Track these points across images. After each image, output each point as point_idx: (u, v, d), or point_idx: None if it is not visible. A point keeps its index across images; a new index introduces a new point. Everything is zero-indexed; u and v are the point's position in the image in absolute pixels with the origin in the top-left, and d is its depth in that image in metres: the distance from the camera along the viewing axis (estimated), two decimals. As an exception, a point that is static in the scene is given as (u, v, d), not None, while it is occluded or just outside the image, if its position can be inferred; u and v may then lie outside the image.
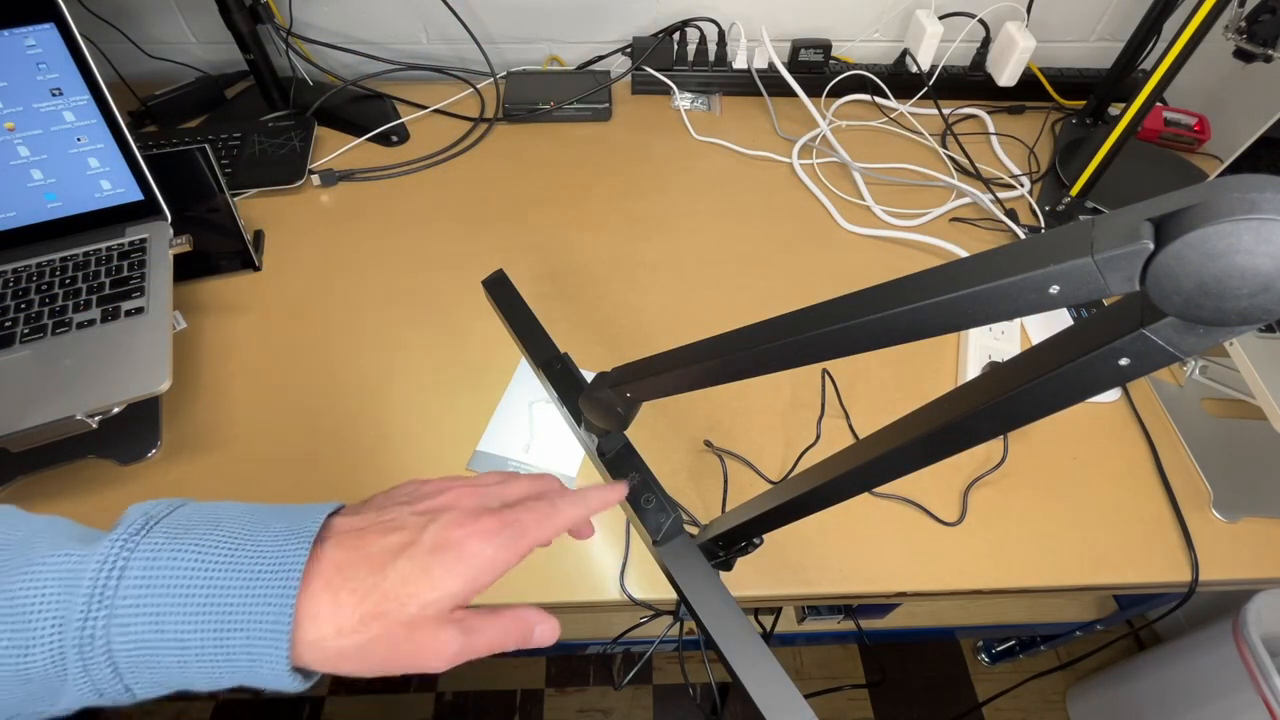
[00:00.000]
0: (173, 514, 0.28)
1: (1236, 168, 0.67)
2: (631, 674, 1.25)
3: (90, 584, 0.25)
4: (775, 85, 0.93)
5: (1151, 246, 0.20)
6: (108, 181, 0.65)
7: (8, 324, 0.60)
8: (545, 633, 0.33)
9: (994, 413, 0.27)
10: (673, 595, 0.51)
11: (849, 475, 0.34)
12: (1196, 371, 0.69)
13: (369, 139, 0.88)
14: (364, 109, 0.90)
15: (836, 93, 0.96)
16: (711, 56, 0.95)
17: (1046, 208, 0.84)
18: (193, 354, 0.66)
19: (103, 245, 0.65)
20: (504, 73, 0.95)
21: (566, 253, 0.77)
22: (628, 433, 0.48)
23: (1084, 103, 0.95)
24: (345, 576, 0.27)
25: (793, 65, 0.95)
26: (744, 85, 0.96)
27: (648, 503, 0.47)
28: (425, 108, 0.92)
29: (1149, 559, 0.57)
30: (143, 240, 0.65)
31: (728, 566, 0.49)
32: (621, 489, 0.38)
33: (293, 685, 0.27)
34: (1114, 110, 0.94)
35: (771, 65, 0.93)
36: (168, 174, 0.68)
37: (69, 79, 0.61)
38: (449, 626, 0.28)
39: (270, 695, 0.26)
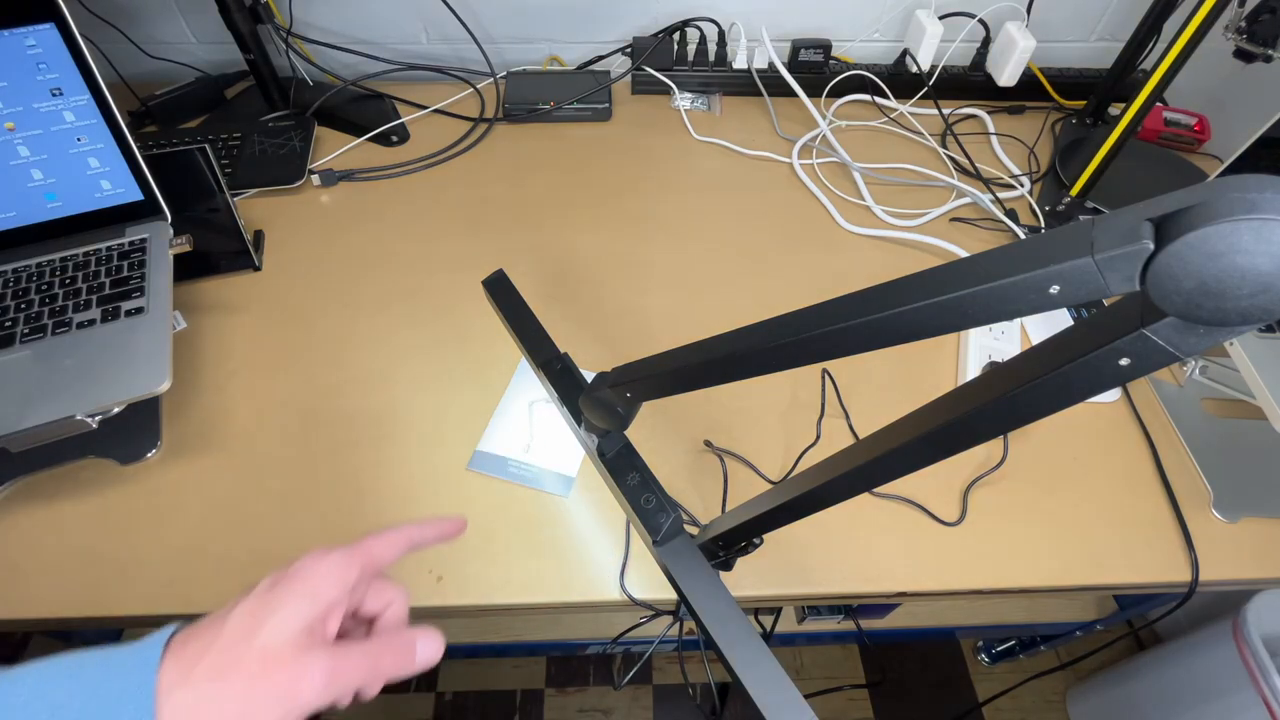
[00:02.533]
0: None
1: (1236, 168, 0.67)
2: (631, 674, 1.25)
3: None
4: (775, 85, 0.93)
5: (1151, 246, 0.20)
6: (108, 181, 0.65)
7: (8, 324, 0.60)
8: (428, 651, 0.31)
9: (994, 413, 0.27)
10: (673, 595, 0.51)
11: (849, 475, 0.34)
12: (1196, 371, 0.69)
13: (369, 139, 0.88)
14: (364, 109, 0.90)
15: (836, 93, 0.96)
16: (711, 56, 0.95)
17: (1046, 208, 0.84)
18: (193, 354, 0.66)
19: (103, 245, 0.65)
20: (504, 73, 0.95)
21: (566, 253, 0.77)
22: (628, 433, 0.48)
23: (1084, 103, 0.95)
24: (191, 654, 0.26)
25: (793, 65, 0.95)
26: (744, 85, 0.96)
27: (648, 503, 0.47)
28: (425, 108, 0.92)
29: (1149, 559, 0.57)
30: (143, 240, 0.65)
31: (728, 566, 0.49)
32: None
33: None
34: (1114, 110, 0.94)
35: (771, 65, 0.93)
36: (168, 174, 0.68)
37: (69, 79, 0.61)
38: (310, 651, 0.27)
39: None
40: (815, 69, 0.95)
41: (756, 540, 0.45)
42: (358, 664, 0.28)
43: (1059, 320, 0.70)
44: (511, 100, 0.91)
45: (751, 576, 0.55)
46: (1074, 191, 0.80)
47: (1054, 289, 0.22)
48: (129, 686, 0.25)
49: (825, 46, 0.94)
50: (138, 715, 0.24)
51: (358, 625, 0.33)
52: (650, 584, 0.55)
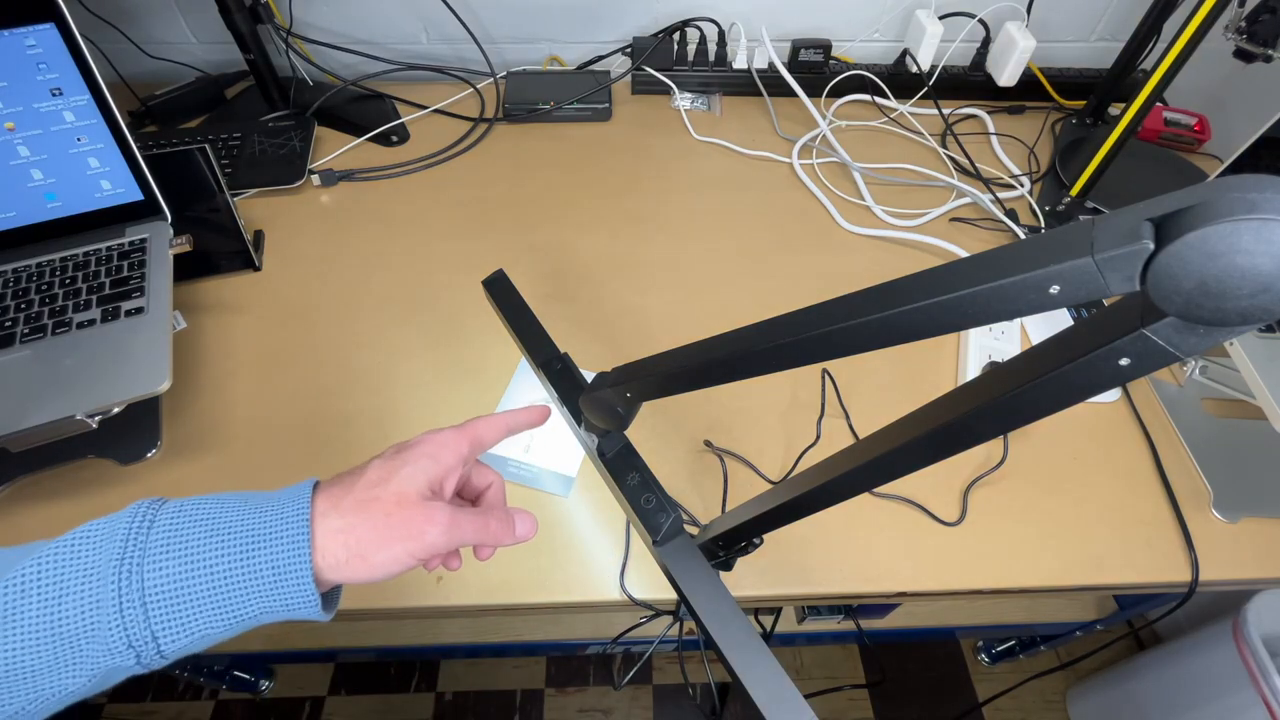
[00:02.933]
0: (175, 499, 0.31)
1: (1236, 168, 0.67)
2: (631, 674, 1.25)
3: (124, 534, 0.28)
4: (775, 85, 0.93)
5: (1152, 246, 0.20)
6: (108, 181, 0.65)
7: (8, 324, 0.60)
8: (525, 527, 0.37)
9: (994, 413, 0.27)
10: (673, 595, 0.51)
11: (849, 475, 0.34)
12: (1196, 371, 0.69)
13: (369, 139, 0.88)
14: (364, 109, 0.90)
15: (836, 93, 0.96)
16: (711, 56, 0.95)
17: (1046, 208, 0.84)
18: (193, 354, 0.66)
19: (103, 245, 0.65)
20: (504, 73, 0.95)
21: (566, 253, 0.77)
22: (628, 433, 0.48)
23: (1084, 103, 0.95)
24: (337, 492, 0.31)
25: (793, 65, 0.95)
26: (744, 85, 0.96)
27: (648, 503, 0.47)
28: (425, 108, 0.92)
29: (1149, 559, 0.57)
30: (143, 240, 0.65)
31: (728, 566, 0.49)
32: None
33: (315, 604, 0.29)
34: (1114, 110, 0.94)
35: (771, 65, 0.93)
36: (168, 174, 0.68)
37: (69, 79, 0.61)
38: (433, 501, 0.32)
39: (298, 621, 0.29)
40: (815, 69, 0.95)
41: (756, 540, 0.45)
42: (472, 521, 0.33)
43: (1059, 320, 0.70)
44: (511, 100, 0.91)
45: (751, 576, 0.55)
46: (1074, 191, 0.80)
47: (1054, 289, 0.22)
48: (288, 512, 0.30)
49: (825, 46, 0.94)
50: (297, 532, 0.29)
51: (463, 502, 0.39)
52: (650, 584, 0.55)
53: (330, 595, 0.32)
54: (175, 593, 0.27)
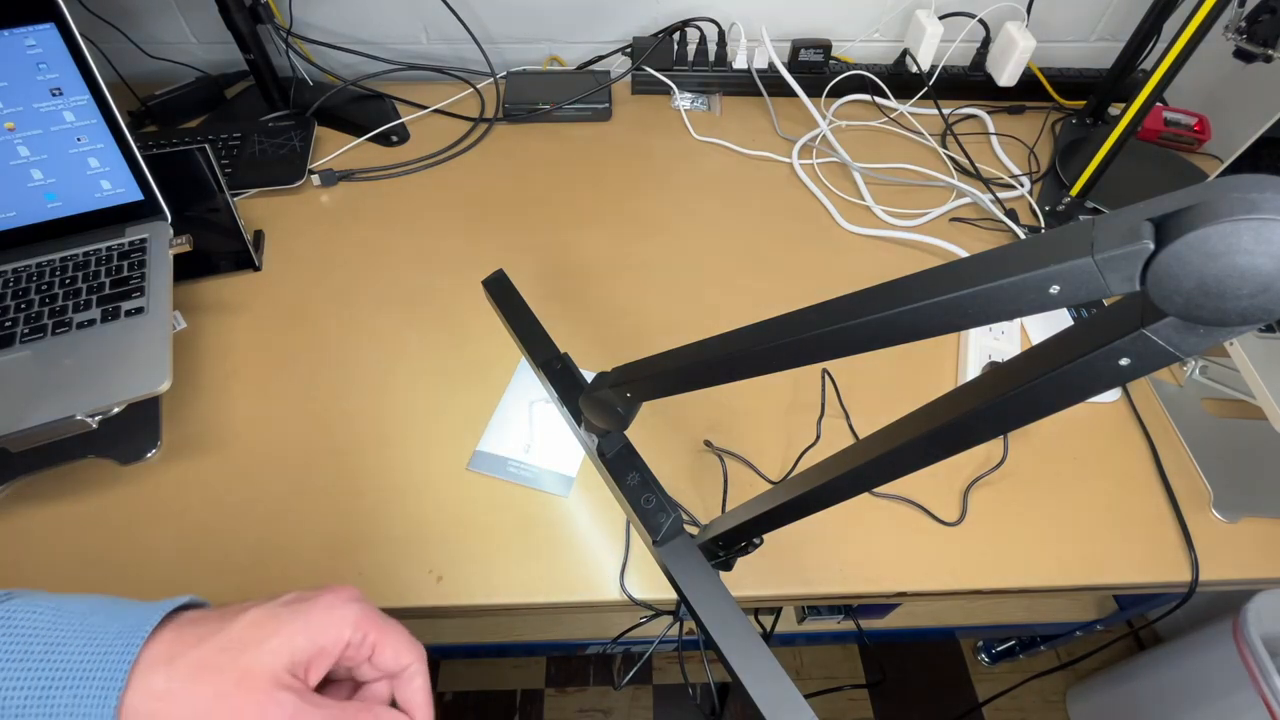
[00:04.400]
0: (41, 594, 0.28)
1: (1236, 168, 0.67)
2: (631, 674, 1.25)
3: None
4: (775, 85, 0.93)
5: (1152, 246, 0.20)
6: (108, 181, 0.65)
7: (8, 324, 0.60)
8: None
9: (994, 413, 0.27)
10: (673, 595, 0.51)
11: (849, 475, 0.34)
12: (1196, 371, 0.69)
13: (369, 139, 0.88)
14: (364, 109, 0.90)
15: (836, 93, 0.96)
16: (711, 56, 0.95)
17: (1046, 208, 0.84)
18: (193, 354, 0.66)
19: (103, 245, 0.65)
20: (504, 73, 0.95)
21: (566, 253, 0.77)
22: (628, 433, 0.48)
23: (1084, 103, 0.95)
24: (188, 639, 0.27)
25: (793, 65, 0.95)
26: (744, 85, 0.96)
27: (648, 503, 0.47)
28: (425, 108, 0.92)
29: (1149, 559, 0.57)
30: (143, 240, 0.65)
31: (728, 566, 0.49)
32: None
33: None
34: (1114, 110, 0.94)
35: (771, 65, 0.93)
36: (168, 174, 0.68)
37: (69, 79, 0.61)
38: (282, 690, 0.27)
39: None
40: (815, 69, 0.95)
41: (756, 540, 0.45)
42: None
43: (1059, 320, 0.70)
44: (511, 100, 0.91)
45: (751, 576, 0.55)
46: (1074, 191, 0.80)
47: (1054, 289, 0.22)
48: (111, 650, 0.26)
49: (825, 46, 0.94)
50: (108, 677, 0.25)
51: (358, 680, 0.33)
52: (650, 584, 0.55)
53: None
54: None
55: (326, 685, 0.32)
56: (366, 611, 0.30)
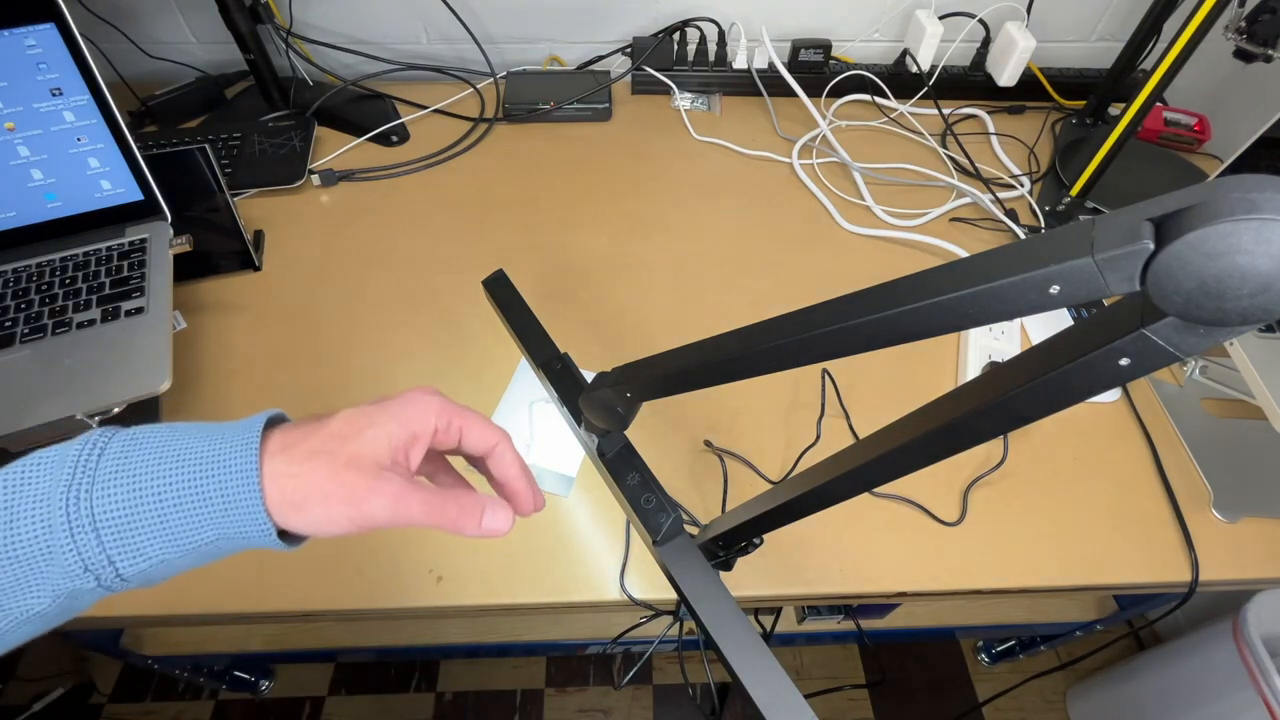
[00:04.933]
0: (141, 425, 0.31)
1: (1236, 168, 0.67)
2: (631, 674, 1.25)
3: (74, 461, 0.27)
4: (775, 85, 0.93)
5: (1152, 246, 0.20)
6: (108, 181, 0.65)
7: (8, 324, 0.60)
8: (494, 521, 0.33)
9: (994, 413, 0.27)
10: (673, 595, 0.51)
11: (849, 475, 0.34)
12: (1196, 371, 0.69)
13: (369, 139, 0.88)
14: (364, 109, 0.90)
15: (836, 93, 0.96)
16: (711, 56, 0.95)
17: (1046, 208, 0.84)
18: (193, 354, 0.66)
19: (103, 245, 0.65)
20: (504, 73, 0.95)
21: (566, 253, 0.77)
22: (628, 433, 0.48)
23: (1084, 103, 0.95)
24: (296, 435, 0.30)
25: (793, 65, 0.95)
26: (744, 85, 0.96)
27: (648, 503, 0.47)
28: (425, 108, 0.92)
29: (1149, 559, 0.57)
30: (143, 240, 0.65)
31: (728, 566, 0.49)
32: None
33: (270, 533, 0.28)
34: (1114, 110, 0.94)
35: (771, 65, 0.93)
36: (168, 174, 0.68)
37: (69, 79, 0.61)
38: (385, 471, 0.30)
39: (254, 549, 0.29)
40: (815, 69, 0.95)
41: (756, 540, 0.45)
42: (425, 501, 0.30)
43: (1059, 320, 0.70)
44: (511, 100, 0.91)
45: (751, 576, 0.55)
46: (1074, 191, 0.80)
47: (1054, 289, 0.22)
48: (237, 442, 0.29)
49: (825, 46, 0.94)
50: (245, 462, 0.28)
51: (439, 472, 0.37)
52: (650, 584, 0.55)
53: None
54: (126, 518, 0.27)
55: (438, 475, 0.37)
56: (447, 401, 0.34)
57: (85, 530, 0.26)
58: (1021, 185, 0.86)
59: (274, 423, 0.31)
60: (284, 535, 0.29)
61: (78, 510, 0.26)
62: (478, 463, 0.37)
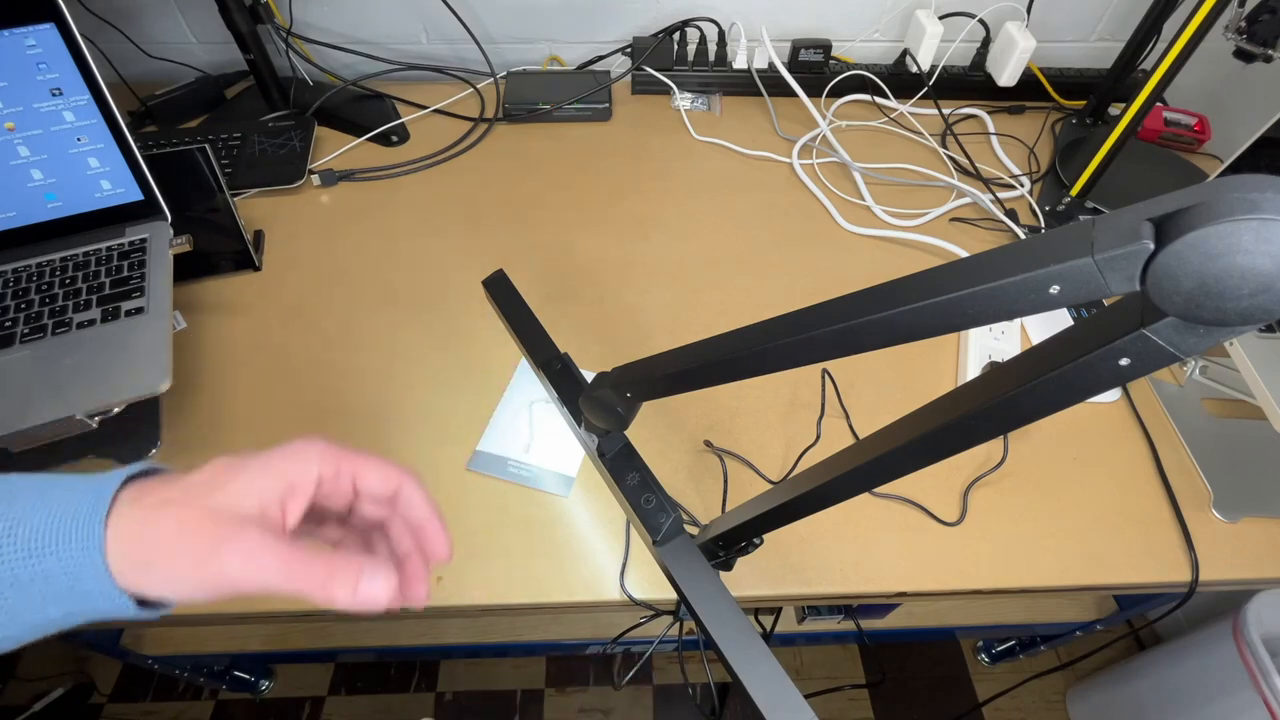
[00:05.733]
0: None
1: (1236, 168, 0.67)
2: (631, 674, 1.25)
3: None
4: (775, 85, 0.93)
5: (1152, 246, 0.20)
6: (108, 181, 0.65)
7: (8, 324, 0.60)
8: (371, 587, 0.27)
9: (994, 413, 0.27)
10: (673, 595, 0.51)
11: (849, 475, 0.34)
12: (1196, 371, 0.69)
13: (369, 139, 0.88)
14: (364, 109, 0.90)
15: (836, 93, 0.96)
16: (711, 56, 0.95)
17: (1046, 208, 0.84)
18: (193, 354, 0.66)
19: (103, 245, 0.65)
20: (504, 73, 0.95)
21: (566, 253, 0.77)
22: (628, 433, 0.48)
23: (1084, 103, 0.95)
24: (155, 485, 0.27)
25: (793, 65, 0.95)
26: (744, 85, 0.96)
27: (648, 503, 0.47)
28: (425, 108, 0.92)
29: (1149, 559, 0.57)
30: (143, 240, 0.65)
31: (728, 566, 0.49)
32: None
33: (123, 605, 0.26)
34: (1114, 110, 0.94)
35: (771, 65, 0.93)
36: (168, 174, 0.68)
37: (69, 79, 0.61)
38: (247, 526, 0.26)
39: (125, 622, 0.27)
40: (815, 69, 0.95)
41: (756, 540, 0.45)
42: (284, 560, 0.26)
43: (1059, 320, 0.70)
44: (511, 100, 0.91)
45: (751, 576, 0.55)
46: (1074, 191, 0.80)
47: (1054, 289, 0.22)
48: (82, 507, 0.26)
49: (825, 46, 0.94)
50: (87, 533, 0.25)
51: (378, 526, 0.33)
52: (650, 584, 0.55)
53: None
54: None
55: (337, 531, 0.33)
56: (333, 447, 0.30)
57: None
58: (1021, 185, 0.86)
59: (148, 473, 0.28)
60: (147, 601, 0.26)
61: None
62: (383, 516, 0.32)
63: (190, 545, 0.25)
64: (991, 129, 0.94)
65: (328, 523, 0.33)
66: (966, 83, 0.96)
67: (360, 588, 0.27)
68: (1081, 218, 0.81)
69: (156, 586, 0.26)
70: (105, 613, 0.26)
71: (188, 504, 0.26)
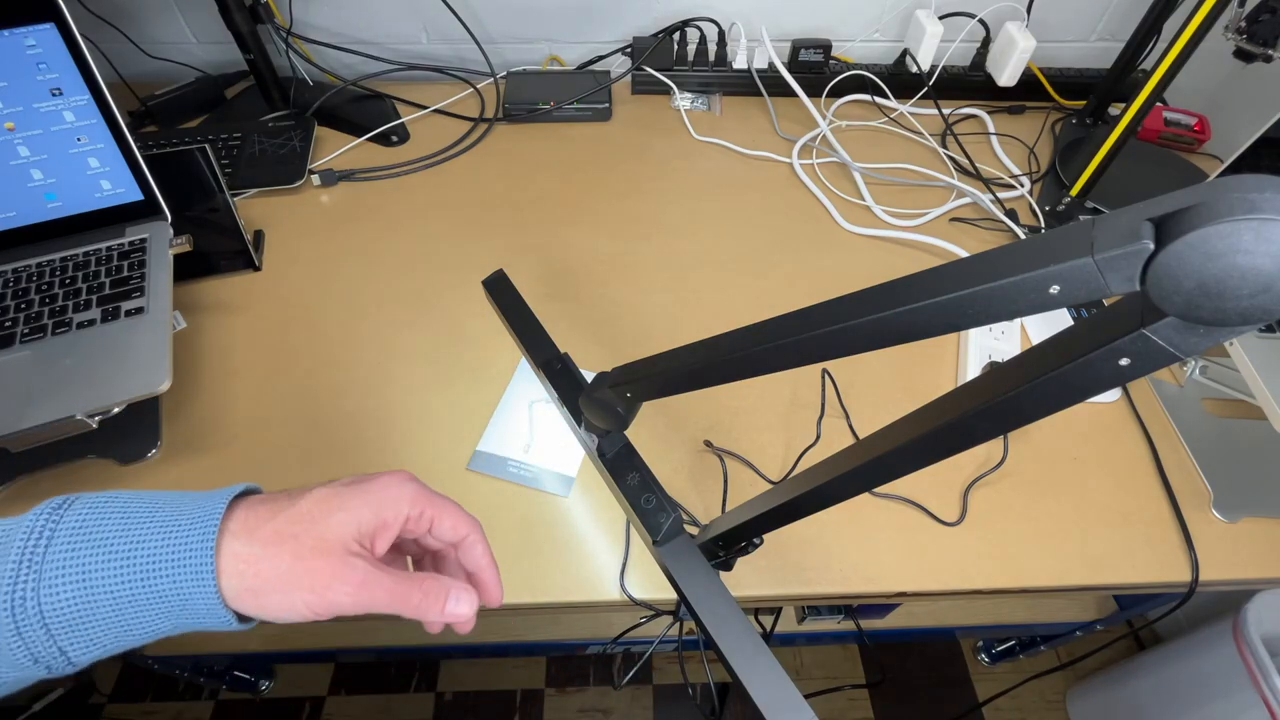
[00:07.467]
0: (95, 493, 0.30)
1: (1236, 168, 0.67)
2: (631, 674, 1.25)
3: (18, 551, 0.26)
4: (775, 85, 0.93)
5: (1152, 246, 0.20)
6: (108, 181, 0.65)
7: (8, 324, 0.60)
8: (458, 607, 0.32)
9: (994, 413, 0.27)
10: (673, 595, 0.51)
11: (849, 475, 0.34)
12: (1196, 371, 0.69)
13: (369, 139, 0.88)
14: (364, 109, 0.90)
15: (836, 93, 0.96)
16: (711, 56, 0.95)
17: (1046, 208, 0.84)
18: (193, 354, 0.66)
19: (103, 245, 0.65)
20: (504, 73, 0.95)
21: (566, 253, 0.77)
22: (628, 433, 0.48)
23: (1084, 103, 0.95)
24: (262, 514, 0.29)
25: (793, 65, 0.95)
26: (744, 85, 0.96)
27: (648, 503, 0.47)
28: (425, 108, 0.92)
29: (1149, 559, 0.57)
30: (143, 240, 0.65)
31: (728, 566, 0.49)
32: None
33: (226, 621, 0.28)
34: (1114, 110, 0.94)
35: (771, 65, 0.93)
36: (168, 174, 0.68)
37: (69, 79, 0.61)
38: (352, 558, 0.29)
39: (219, 632, 0.28)
40: (815, 69, 0.95)
41: (756, 540, 0.45)
42: (390, 588, 0.30)
43: (1059, 320, 0.70)
44: (511, 100, 0.91)
45: (751, 576, 0.55)
46: (1074, 191, 0.80)
47: (1054, 289, 0.22)
48: (193, 536, 0.28)
49: (825, 46, 0.94)
50: (201, 560, 0.27)
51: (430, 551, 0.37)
52: (650, 584, 0.55)
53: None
54: (77, 615, 0.26)
55: (400, 556, 0.36)
56: (422, 489, 0.33)
57: (33, 627, 0.26)
58: (1021, 185, 0.86)
59: (245, 494, 0.31)
60: (243, 616, 0.29)
61: (24, 608, 0.26)
62: (442, 550, 0.36)
63: (307, 580, 0.28)
64: (991, 129, 0.94)
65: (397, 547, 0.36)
66: (966, 83, 0.96)
67: (448, 608, 0.32)
68: (1081, 218, 0.81)
69: (268, 611, 0.29)
70: (210, 627, 0.28)
71: (299, 538, 0.29)
